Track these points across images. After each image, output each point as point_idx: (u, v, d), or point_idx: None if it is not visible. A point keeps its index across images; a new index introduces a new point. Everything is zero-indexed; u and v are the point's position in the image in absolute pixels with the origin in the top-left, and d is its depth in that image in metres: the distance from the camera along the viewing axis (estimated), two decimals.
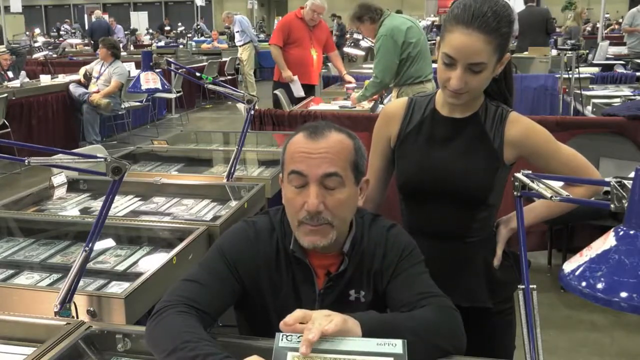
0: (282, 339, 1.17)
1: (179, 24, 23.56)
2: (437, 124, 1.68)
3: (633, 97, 5.40)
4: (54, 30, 21.45)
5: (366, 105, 4.95)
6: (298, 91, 5.81)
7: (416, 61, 4.40)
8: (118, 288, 1.78)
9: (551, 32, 9.19)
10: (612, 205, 0.97)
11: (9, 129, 6.33)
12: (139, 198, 2.64)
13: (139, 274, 1.77)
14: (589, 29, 15.45)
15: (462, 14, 1.50)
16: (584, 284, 0.79)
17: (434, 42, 6.62)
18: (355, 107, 4.94)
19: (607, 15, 15.29)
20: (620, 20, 17.03)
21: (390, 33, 4.33)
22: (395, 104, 1.78)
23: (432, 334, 1.25)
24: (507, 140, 1.63)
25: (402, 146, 1.72)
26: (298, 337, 1.17)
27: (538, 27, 8.83)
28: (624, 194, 0.95)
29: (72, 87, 7.30)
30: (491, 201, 1.68)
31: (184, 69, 3.99)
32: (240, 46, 10.99)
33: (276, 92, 5.82)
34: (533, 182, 1.22)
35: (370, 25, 4.46)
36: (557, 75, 6.40)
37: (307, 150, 1.32)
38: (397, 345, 1.16)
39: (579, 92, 5.62)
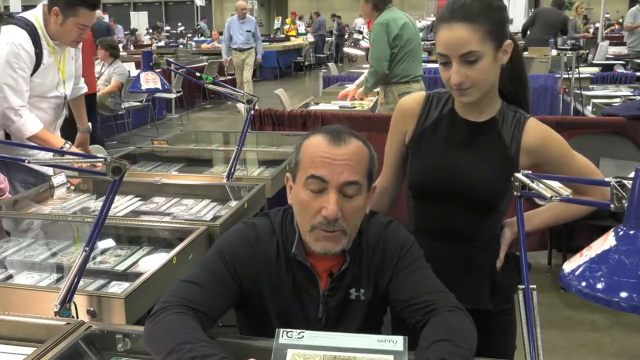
0: (282, 336, 1.17)
1: (179, 24, 23.56)
2: (454, 126, 1.66)
3: (633, 97, 5.40)
4: None
5: (366, 105, 4.95)
6: None
7: (405, 59, 4.38)
8: (118, 288, 1.78)
9: (565, 34, 9.39)
10: (612, 205, 0.97)
11: None
12: (139, 198, 2.63)
13: (139, 274, 1.76)
14: (591, 30, 15.41)
15: (444, 11, 1.52)
16: (584, 284, 0.79)
17: (433, 42, 6.63)
18: (355, 107, 4.95)
19: (607, 15, 15.28)
20: (621, 20, 17.03)
21: (386, 22, 4.35)
22: (412, 99, 1.75)
23: (472, 345, 1.25)
24: (523, 147, 1.61)
25: (417, 144, 1.69)
26: (298, 334, 1.17)
27: (555, 28, 8.93)
28: (624, 194, 0.95)
29: None
30: (502, 207, 1.67)
31: (184, 69, 4.00)
32: (247, 49, 9.88)
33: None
34: (533, 182, 1.22)
35: (371, 11, 4.46)
36: (557, 75, 6.40)
37: (329, 155, 1.31)
38: (397, 342, 1.16)
39: (579, 92, 5.62)
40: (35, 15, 2.70)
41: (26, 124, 2.64)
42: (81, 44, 2.98)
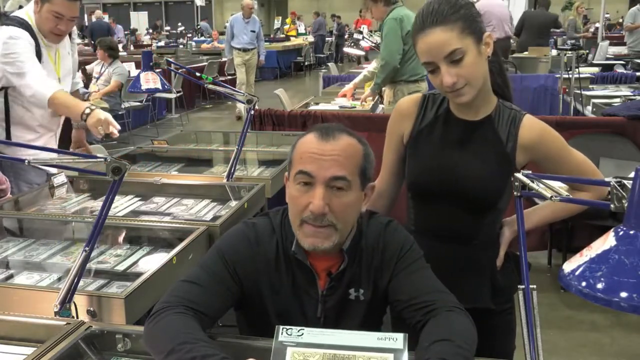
0: (282, 333, 1.17)
1: (179, 24, 23.55)
2: (450, 125, 1.66)
3: (633, 97, 5.40)
4: None
5: (366, 105, 4.95)
6: None
7: (414, 58, 4.39)
8: (118, 288, 1.78)
9: (558, 28, 9.58)
10: (612, 205, 0.97)
11: None
12: (139, 198, 2.64)
13: (139, 274, 1.76)
14: (592, 30, 15.40)
15: (416, 23, 1.54)
16: (584, 284, 0.79)
17: None
18: (355, 107, 4.95)
19: (607, 15, 15.27)
20: (621, 20, 17.02)
21: (400, 17, 4.38)
22: (408, 100, 1.76)
23: (472, 345, 1.25)
24: (520, 144, 1.61)
25: (414, 145, 1.70)
26: (298, 331, 1.17)
27: (545, 29, 8.95)
28: (624, 194, 0.95)
29: None
30: (500, 205, 1.67)
31: (184, 69, 4.00)
32: (250, 50, 9.35)
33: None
34: (533, 182, 1.22)
35: (383, 7, 4.47)
36: (557, 75, 6.39)
37: (317, 151, 1.32)
38: (397, 340, 1.16)
39: (579, 92, 5.62)
40: (27, 13, 2.69)
41: (36, 94, 2.57)
42: (75, 40, 2.96)
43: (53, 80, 2.65)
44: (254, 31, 9.40)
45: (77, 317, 1.50)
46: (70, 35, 2.86)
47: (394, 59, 4.39)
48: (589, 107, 5.31)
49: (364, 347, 1.16)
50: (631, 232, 0.80)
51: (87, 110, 2.50)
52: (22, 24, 2.64)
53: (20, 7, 2.90)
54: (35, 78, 2.57)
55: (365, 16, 17.49)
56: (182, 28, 22.11)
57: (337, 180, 1.31)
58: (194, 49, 15.24)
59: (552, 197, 1.16)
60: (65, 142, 3.15)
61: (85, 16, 18.77)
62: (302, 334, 1.17)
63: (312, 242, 1.33)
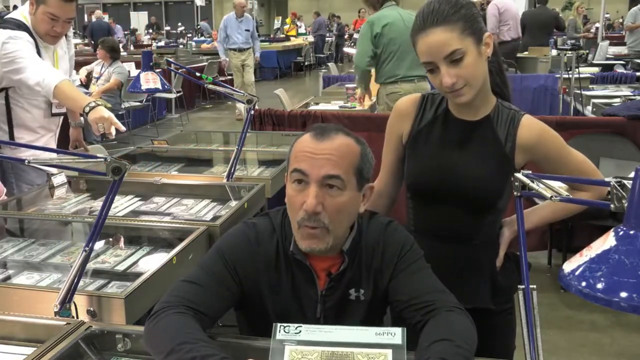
0: (279, 331, 1.16)
1: (179, 24, 23.55)
2: (449, 125, 1.66)
3: (633, 97, 5.40)
4: None
5: (366, 105, 4.96)
6: None
7: (390, 60, 4.34)
8: (118, 288, 1.79)
9: (562, 29, 9.69)
10: (612, 205, 0.97)
11: None
12: (139, 198, 2.64)
13: (139, 274, 1.76)
14: (592, 30, 15.38)
15: (416, 23, 1.53)
16: (584, 284, 0.79)
17: None
18: (355, 107, 4.95)
19: (607, 15, 15.26)
20: (621, 20, 17.02)
21: (372, 21, 4.36)
22: (407, 100, 1.76)
23: (472, 345, 1.25)
24: (519, 144, 1.61)
25: (413, 145, 1.70)
26: (296, 328, 1.17)
27: (547, 28, 8.94)
28: (624, 194, 0.95)
29: None
30: (500, 205, 1.67)
31: (184, 69, 4.00)
32: (246, 49, 9.20)
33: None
34: (533, 182, 1.22)
35: (372, 11, 4.48)
36: (557, 75, 6.40)
37: (311, 150, 1.32)
38: (396, 335, 1.16)
39: (579, 92, 5.62)
40: (23, 14, 2.67)
41: (42, 82, 2.50)
42: (71, 41, 2.95)
43: (58, 71, 2.64)
44: (248, 30, 9.22)
45: (77, 317, 1.50)
46: (65, 34, 2.85)
47: (361, 61, 4.42)
48: (589, 107, 5.31)
49: (363, 343, 1.15)
50: (631, 232, 0.80)
51: (92, 104, 2.41)
52: (20, 26, 2.63)
53: (15, 7, 2.89)
54: (38, 69, 2.54)
55: (364, 17, 17.52)
56: (182, 28, 22.10)
57: (331, 179, 1.31)
58: (193, 49, 15.22)
59: (552, 197, 1.16)
60: (61, 141, 3.15)
61: (85, 16, 18.76)
62: (300, 331, 1.17)
63: (308, 244, 1.34)
